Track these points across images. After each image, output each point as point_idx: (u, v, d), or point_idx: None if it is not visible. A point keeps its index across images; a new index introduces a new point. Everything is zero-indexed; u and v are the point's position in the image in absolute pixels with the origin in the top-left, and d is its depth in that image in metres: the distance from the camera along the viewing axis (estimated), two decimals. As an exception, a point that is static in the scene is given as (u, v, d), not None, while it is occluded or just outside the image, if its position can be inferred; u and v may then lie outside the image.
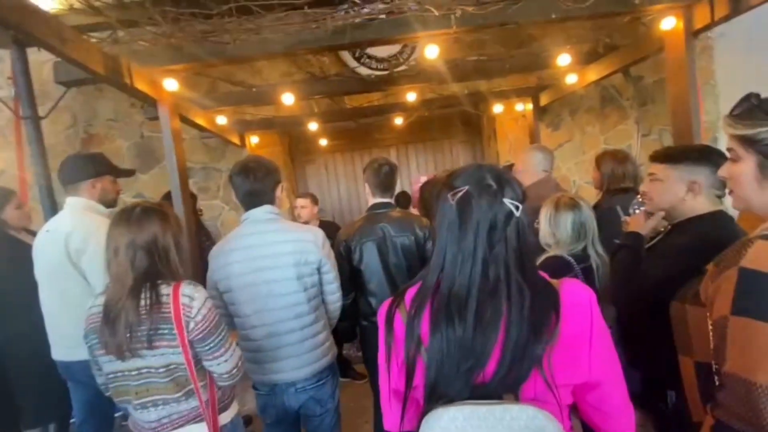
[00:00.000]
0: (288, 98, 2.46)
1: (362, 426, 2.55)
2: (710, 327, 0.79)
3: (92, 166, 1.77)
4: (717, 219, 1.18)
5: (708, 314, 0.79)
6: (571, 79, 3.14)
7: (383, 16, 1.89)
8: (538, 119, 3.96)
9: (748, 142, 0.77)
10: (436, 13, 1.73)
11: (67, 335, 1.67)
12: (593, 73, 3.04)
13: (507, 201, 0.70)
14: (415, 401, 0.77)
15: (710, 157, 1.19)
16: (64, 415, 2.39)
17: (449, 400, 0.68)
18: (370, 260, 1.88)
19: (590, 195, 2.51)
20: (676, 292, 1.06)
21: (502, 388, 0.68)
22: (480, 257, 0.70)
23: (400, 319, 0.76)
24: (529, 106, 3.90)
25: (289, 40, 1.95)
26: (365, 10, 1.84)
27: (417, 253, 1.89)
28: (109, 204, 1.82)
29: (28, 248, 2.10)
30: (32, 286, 1.83)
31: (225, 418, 1.19)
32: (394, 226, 1.88)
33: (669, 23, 2.11)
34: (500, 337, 0.68)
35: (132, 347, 1.06)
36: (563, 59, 2.56)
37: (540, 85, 3.75)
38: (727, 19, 1.96)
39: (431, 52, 2.04)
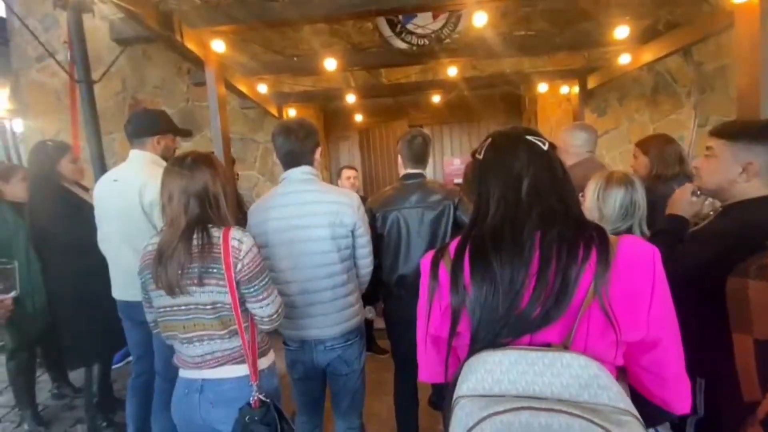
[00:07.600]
0: (330, 63, 2.48)
1: (382, 398, 2.59)
2: None
3: (160, 123, 1.85)
4: None
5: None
6: (625, 59, 2.96)
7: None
8: (584, 103, 3.78)
9: None
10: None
11: (131, 276, 1.74)
12: (650, 53, 2.84)
13: (530, 138, 0.76)
14: (455, 352, 0.76)
15: None
16: (108, 357, 2.57)
17: (492, 343, 0.67)
18: (393, 228, 1.86)
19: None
20: (709, 277, 0.97)
21: (540, 321, 0.65)
22: (510, 187, 0.74)
23: (445, 267, 0.76)
24: (575, 88, 3.73)
25: (331, 4, 1.94)
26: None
27: (444, 223, 1.85)
28: (167, 161, 1.88)
29: (80, 201, 2.24)
30: (85, 235, 1.94)
31: (263, 363, 1.25)
32: (423, 195, 1.85)
33: (743, -5, 1.93)
34: (535, 267, 0.67)
35: (182, 284, 1.12)
36: (621, 32, 2.39)
37: (588, 67, 3.57)
38: (812, -10, 1.78)
39: (480, 19, 1.97)
